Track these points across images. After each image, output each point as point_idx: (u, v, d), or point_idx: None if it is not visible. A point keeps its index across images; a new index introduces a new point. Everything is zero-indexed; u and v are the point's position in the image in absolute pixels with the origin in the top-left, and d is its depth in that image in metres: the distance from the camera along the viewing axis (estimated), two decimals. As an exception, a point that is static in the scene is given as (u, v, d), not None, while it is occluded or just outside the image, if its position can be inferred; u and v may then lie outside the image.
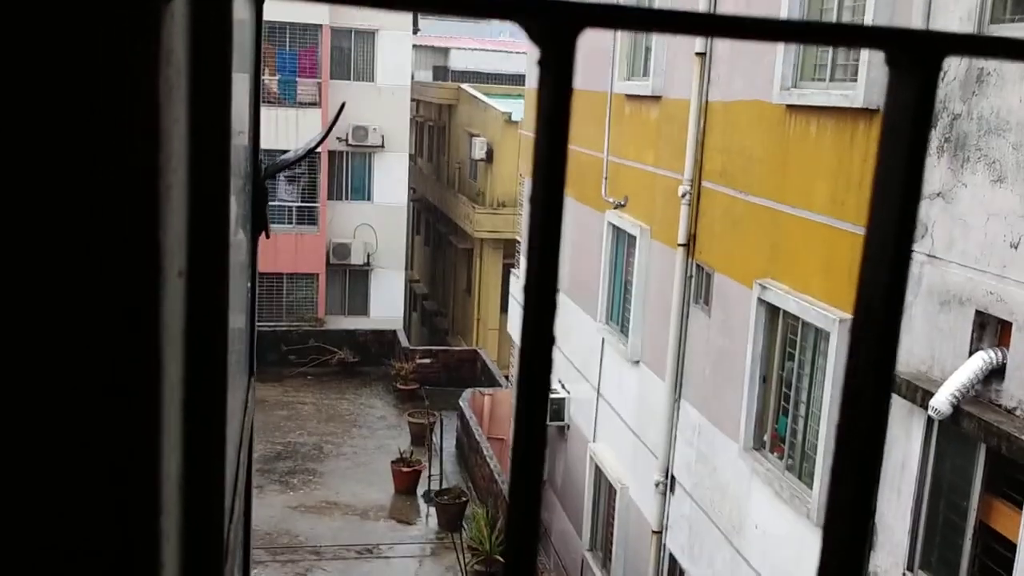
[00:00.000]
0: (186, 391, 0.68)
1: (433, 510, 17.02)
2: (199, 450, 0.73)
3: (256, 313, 1.75)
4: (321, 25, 25.42)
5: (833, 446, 0.60)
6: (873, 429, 0.57)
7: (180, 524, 0.72)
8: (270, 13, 26.25)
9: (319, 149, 25.46)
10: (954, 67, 6.41)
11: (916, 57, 0.53)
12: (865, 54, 7.32)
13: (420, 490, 17.89)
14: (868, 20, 7.32)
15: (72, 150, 0.46)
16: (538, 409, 0.53)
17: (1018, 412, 5.79)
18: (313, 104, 25.63)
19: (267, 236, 1.60)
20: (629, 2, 11.98)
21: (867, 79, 7.28)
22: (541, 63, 0.51)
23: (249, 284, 1.52)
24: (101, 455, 0.50)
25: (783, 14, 8.48)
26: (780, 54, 8.53)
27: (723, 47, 9.88)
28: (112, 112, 0.46)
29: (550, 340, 0.52)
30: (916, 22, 6.73)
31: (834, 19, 8.05)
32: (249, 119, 1.55)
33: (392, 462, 18.08)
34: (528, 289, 0.52)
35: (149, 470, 0.54)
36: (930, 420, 6.41)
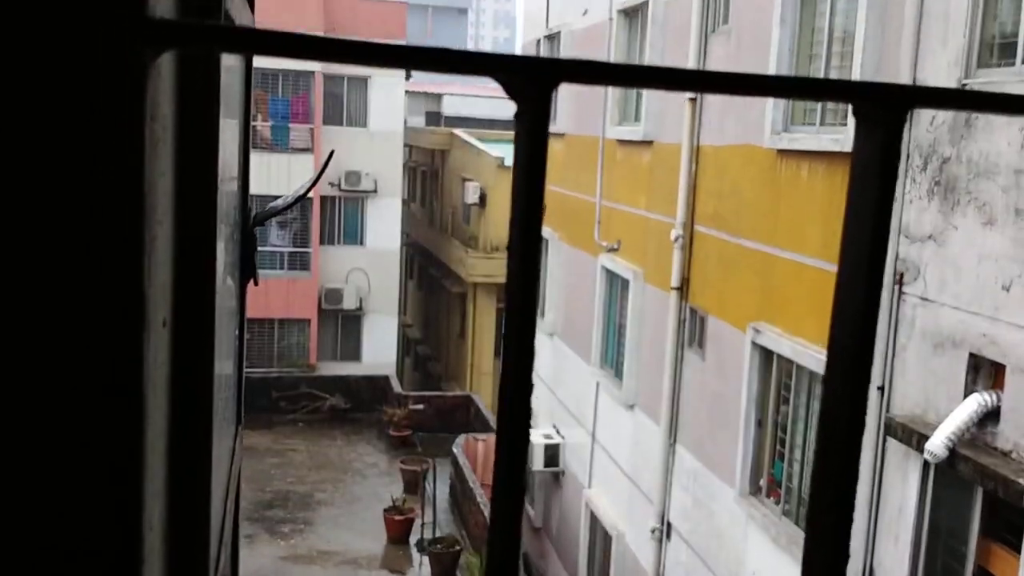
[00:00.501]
0: (171, 440, 0.68)
1: (426, 559, 16.81)
2: (184, 499, 0.73)
3: (244, 360, 1.75)
4: (314, 72, 25.67)
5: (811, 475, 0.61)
6: (848, 458, 0.57)
7: (164, 573, 0.72)
8: (262, 60, 26.54)
9: (311, 194, 25.56)
10: (942, 111, 6.50)
11: (881, 109, 0.54)
12: (852, 100, 7.41)
13: (413, 539, 17.69)
14: (856, 65, 7.42)
15: (56, 202, 0.47)
16: (518, 461, 0.53)
17: (1014, 455, 5.78)
18: (306, 150, 25.78)
19: (255, 283, 1.60)
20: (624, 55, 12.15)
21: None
22: (517, 116, 0.52)
23: (237, 331, 1.53)
24: (79, 504, 0.50)
25: (772, 60, 8.61)
26: (771, 99, 8.63)
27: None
28: (96, 166, 0.46)
29: (528, 386, 0.53)
30: (904, 67, 6.83)
31: (823, 64, 8.17)
32: (238, 166, 1.56)
33: (384, 510, 17.89)
34: (507, 340, 0.52)
35: (130, 519, 0.54)
36: (926, 464, 6.39)
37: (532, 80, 0.51)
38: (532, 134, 0.52)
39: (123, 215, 0.49)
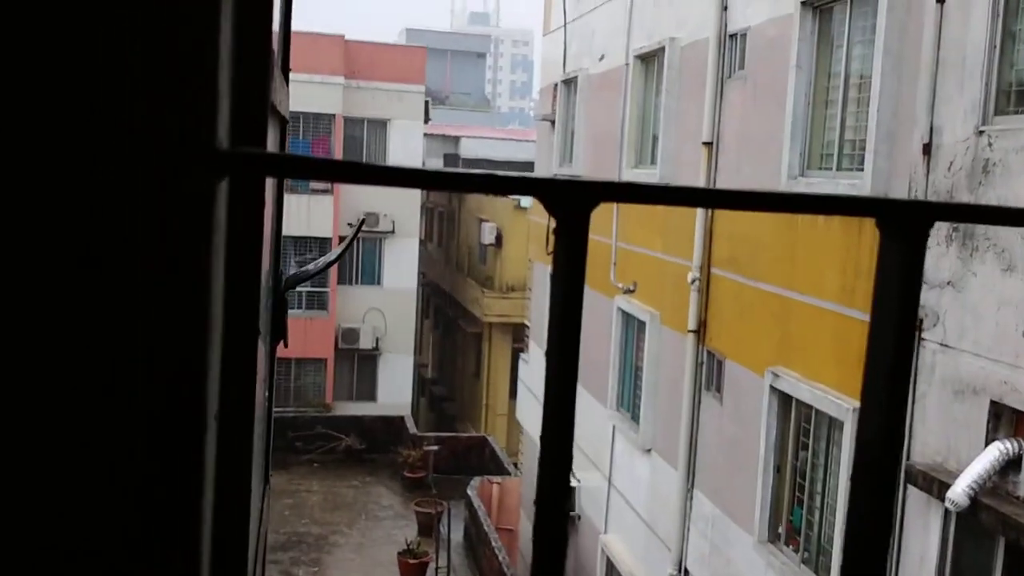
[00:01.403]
0: (215, 524, 0.71)
1: (441, 602, 16.65)
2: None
3: (272, 420, 1.78)
4: (334, 115, 25.98)
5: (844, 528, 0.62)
6: (883, 508, 0.59)
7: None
8: (285, 104, 26.73)
9: (330, 234, 25.75)
10: (959, 156, 6.51)
11: (904, 224, 0.57)
12: (871, 142, 7.45)
13: (428, 581, 17.53)
14: (872, 111, 7.46)
15: (129, 317, 0.50)
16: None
17: (1036, 504, 5.71)
18: (326, 192, 26.03)
19: (286, 346, 1.64)
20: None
21: (874, 168, 7.38)
22: (557, 233, 0.55)
23: (267, 393, 1.56)
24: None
25: (788, 106, 8.66)
26: (787, 142, 8.68)
27: (730, 136, 10.07)
28: (174, 275, 0.50)
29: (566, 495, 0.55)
30: (920, 113, 6.86)
31: (839, 110, 8.21)
32: (271, 235, 1.60)
33: (399, 553, 17.77)
34: (544, 450, 0.55)
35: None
36: (947, 512, 6.32)
37: (573, 200, 0.54)
38: (571, 249, 0.55)
39: (193, 321, 0.52)
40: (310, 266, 2.46)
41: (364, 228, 26.61)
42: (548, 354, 0.57)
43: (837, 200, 0.59)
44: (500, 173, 0.53)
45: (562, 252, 0.53)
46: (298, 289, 26.43)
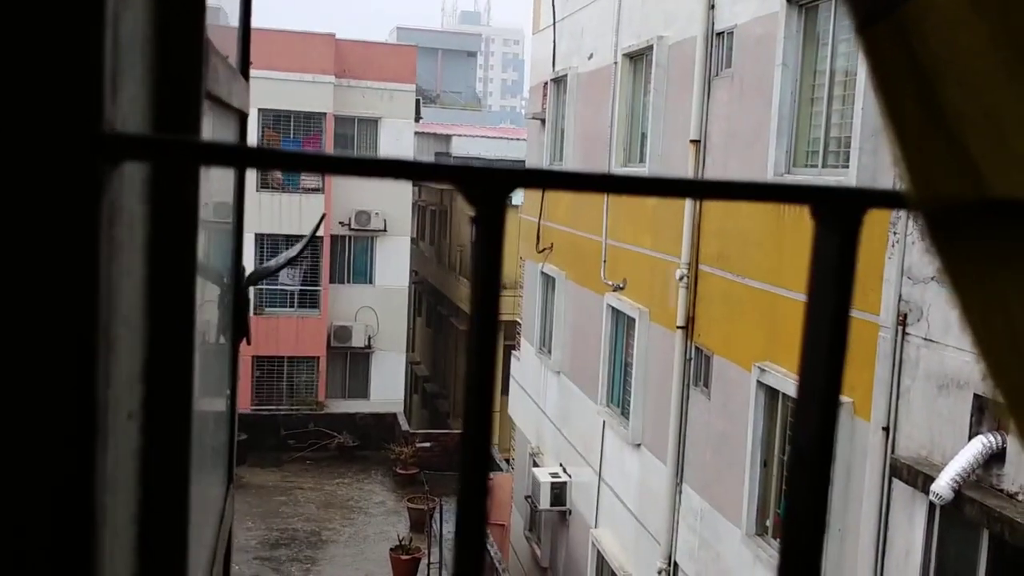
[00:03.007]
0: (140, 532, 0.69)
1: (433, 599, 16.65)
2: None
3: (236, 421, 1.76)
4: (325, 113, 25.91)
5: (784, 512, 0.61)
6: (819, 497, 0.57)
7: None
8: (274, 101, 26.52)
9: (321, 233, 25.69)
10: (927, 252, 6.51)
11: (838, 212, 0.55)
12: (857, 139, 7.45)
13: (420, 578, 17.53)
14: (858, 107, 7.46)
15: (7, 313, 0.48)
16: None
17: (1020, 497, 5.73)
18: (316, 190, 25.97)
19: (248, 343, 1.62)
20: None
21: (859, 164, 7.39)
22: (474, 221, 0.53)
23: (229, 392, 1.54)
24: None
25: (774, 104, 8.66)
26: (773, 139, 8.68)
27: (717, 133, 10.07)
28: (46, 273, 0.47)
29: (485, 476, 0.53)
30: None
31: (824, 107, 8.21)
32: (232, 227, 1.58)
33: (391, 549, 17.76)
34: (464, 444, 0.53)
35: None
36: (932, 506, 6.33)
37: (487, 188, 0.52)
38: (489, 235, 0.53)
39: (73, 320, 0.50)
40: (271, 263, 2.45)
41: (356, 226, 26.57)
42: (468, 348, 0.55)
43: (771, 188, 0.58)
44: (411, 159, 0.51)
45: (480, 238, 0.51)
46: (289, 288, 26.39)
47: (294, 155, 0.49)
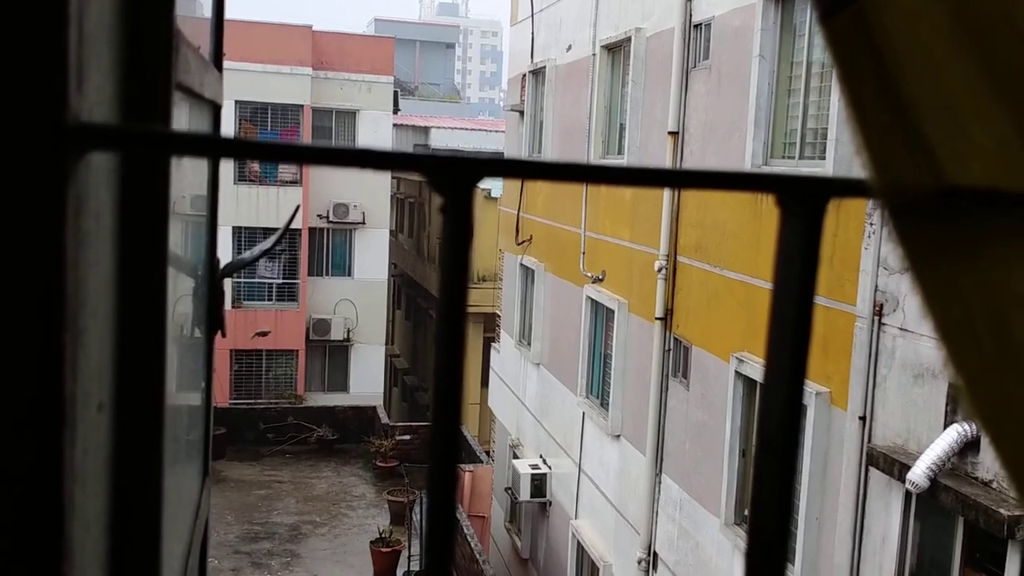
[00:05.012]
0: (112, 525, 0.69)
1: (414, 591, 16.66)
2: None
3: (211, 412, 1.76)
4: (303, 105, 25.78)
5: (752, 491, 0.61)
6: (783, 483, 0.58)
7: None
8: (252, 93, 26.35)
9: (299, 226, 25.58)
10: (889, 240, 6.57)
11: (802, 200, 0.56)
12: (833, 130, 7.50)
13: (400, 571, 17.54)
14: (834, 99, 7.51)
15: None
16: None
17: (994, 485, 5.80)
18: (294, 182, 25.84)
19: (223, 335, 1.62)
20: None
21: (835, 157, 7.44)
22: (442, 210, 0.54)
23: (204, 384, 1.53)
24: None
25: (752, 95, 8.70)
26: (751, 131, 8.72)
27: (695, 125, 10.10)
28: (10, 264, 0.47)
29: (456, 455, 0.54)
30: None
31: (801, 99, 8.26)
32: (207, 218, 1.57)
33: (371, 542, 17.76)
34: (434, 439, 0.53)
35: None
36: (908, 494, 6.40)
37: (455, 177, 0.52)
38: (457, 224, 0.53)
39: (41, 319, 0.49)
40: (246, 254, 2.44)
41: (335, 219, 26.47)
42: (436, 338, 0.56)
43: (739, 177, 0.58)
44: (378, 148, 0.51)
45: (448, 227, 0.52)
46: (268, 281, 26.26)
47: (263, 145, 0.49)
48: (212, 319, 1.48)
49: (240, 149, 0.50)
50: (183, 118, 1.07)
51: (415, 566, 17.24)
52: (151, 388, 0.71)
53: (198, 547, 1.36)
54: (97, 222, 0.59)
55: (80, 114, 0.49)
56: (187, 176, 1.29)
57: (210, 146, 0.48)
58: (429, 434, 0.55)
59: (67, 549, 0.50)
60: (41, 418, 0.47)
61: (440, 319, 0.56)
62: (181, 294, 1.25)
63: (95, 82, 0.56)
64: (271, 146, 0.51)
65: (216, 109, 1.53)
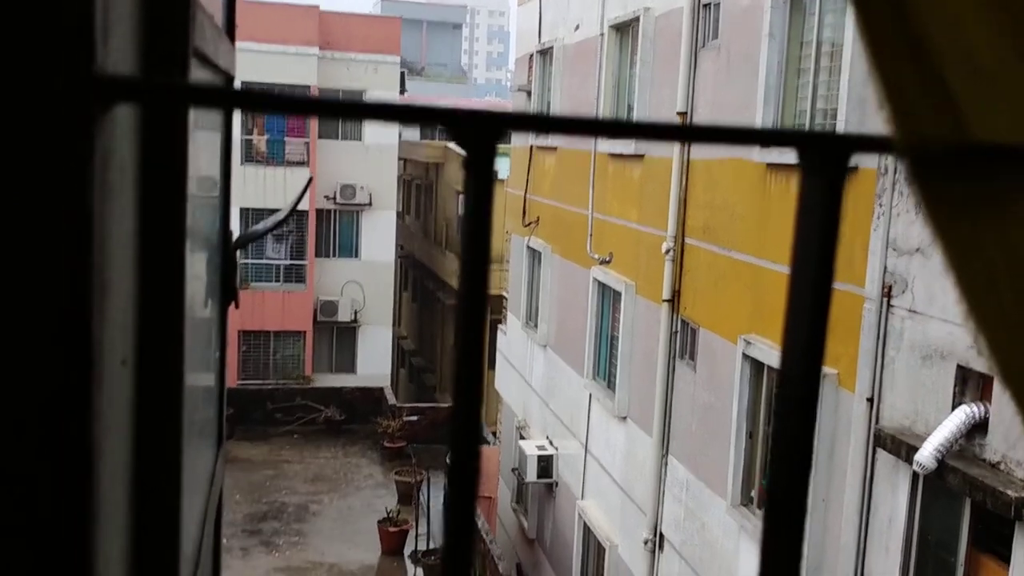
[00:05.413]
0: (135, 480, 0.69)
1: (420, 571, 16.77)
2: (150, 539, 0.74)
3: (225, 381, 1.77)
4: (309, 86, 25.72)
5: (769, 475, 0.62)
6: (803, 447, 0.58)
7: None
8: (258, 74, 26.29)
9: (307, 207, 25.59)
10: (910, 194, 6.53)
11: (824, 157, 0.56)
12: (843, 110, 7.46)
13: (407, 550, 17.65)
14: (844, 78, 7.47)
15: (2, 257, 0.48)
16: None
17: (1002, 466, 5.80)
18: (301, 163, 25.83)
19: (236, 306, 1.62)
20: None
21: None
22: (466, 165, 0.54)
23: (218, 353, 1.54)
24: (28, 550, 0.51)
25: (761, 75, 8.65)
26: (760, 110, 8.68)
27: (704, 105, 10.05)
28: (44, 222, 0.48)
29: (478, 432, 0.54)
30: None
31: (811, 78, 8.21)
32: (219, 190, 1.58)
33: (379, 522, 17.86)
34: (457, 376, 0.54)
35: (80, 564, 0.54)
36: (915, 475, 6.41)
37: (479, 131, 0.52)
38: (480, 179, 0.54)
39: (70, 269, 0.50)
40: (259, 225, 2.44)
41: (342, 200, 26.46)
42: (458, 295, 0.56)
43: (758, 132, 0.58)
44: (398, 102, 0.51)
45: (471, 183, 0.52)
46: (276, 262, 26.30)
47: (282, 98, 0.49)
48: (226, 290, 1.48)
49: (261, 102, 0.50)
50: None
51: (422, 545, 17.34)
52: (172, 342, 0.71)
53: (213, 513, 1.37)
54: (121, 178, 0.60)
55: (106, 68, 0.49)
56: (200, 154, 1.29)
57: (233, 99, 0.48)
58: (449, 410, 0.55)
59: (96, 495, 0.51)
60: (71, 360, 0.48)
61: (463, 273, 0.56)
62: (195, 256, 1.26)
63: (119, 41, 0.56)
64: (292, 99, 0.51)
65: (229, 80, 1.53)
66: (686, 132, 0.57)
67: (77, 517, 0.51)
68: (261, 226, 2.42)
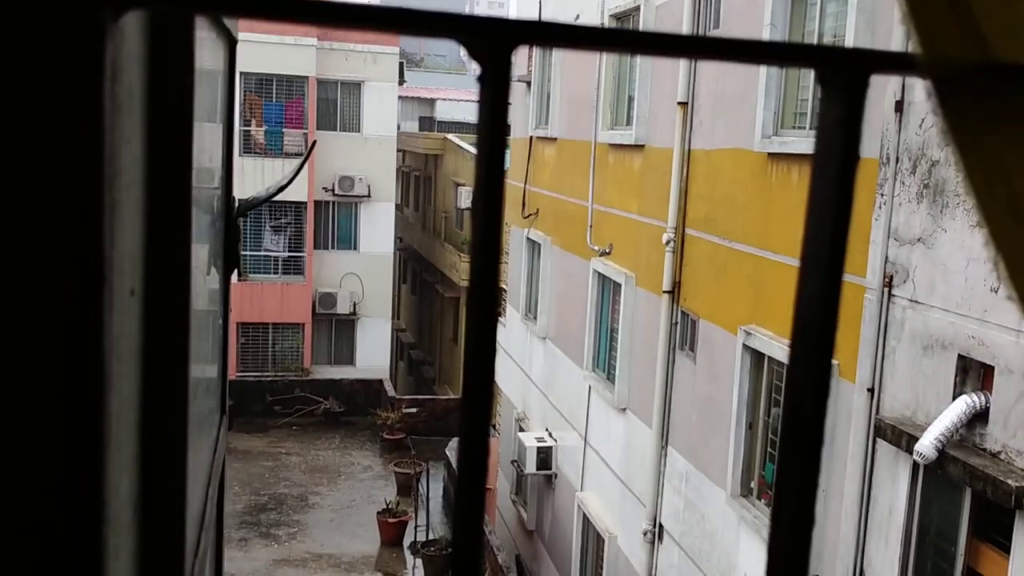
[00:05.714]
0: (143, 407, 0.69)
1: (420, 562, 16.79)
2: (157, 463, 0.73)
3: (228, 353, 1.76)
4: (308, 77, 25.68)
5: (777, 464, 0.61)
6: (813, 445, 0.57)
7: (135, 542, 0.72)
8: (257, 65, 26.25)
9: (304, 199, 25.55)
10: (931, 113, 6.52)
11: (845, 74, 0.55)
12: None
13: (407, 541, 17.67)
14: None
15: (8, 167, 0.47)
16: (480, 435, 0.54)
17: (1002, 456, 5.80)
18: (299, 154, 25.77)
19: (240, 276, 1.61)
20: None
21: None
22: (480, 78, 0.52)
23: (221, 321, 1.53)
24: (39, 469, 0.50)
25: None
26: (761, 102, 8.66)
27: (705, 95, 10.04)
28: (52, 129, 0.47)
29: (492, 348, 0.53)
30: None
31: (812, 82, 8.18)
32: (222, 158, 1.57)
33: (378, 513, 17.88)
34: (470, 306, 0.53)
35: (92, 485, 0.54)
36: (916, 465, 6.41)
37: (493, 40, 0.51)
38: (494, 91, 0.52)
39: (81, 177, 0.49)
40: (260, 192, 2.43)
41: (340, 192, 26.42)
42: (472, 216, 0.55)
43: (774, 47, 0.57)
44: (412, 8, 0.50)
45: (485, 94, 0.51)
46: (274, 254, 26.28)
47: (288, 2, 0.48)
48: (229, 256, 1.48)
49: (267, 7, 0.48)
50: (205, 50, 1.06)
51: (421, 536, 17.36)
52: (178, 270, 0.70)
53: (217, 479, 1.36)
54: (129, 99, 0.59)
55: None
56: (204, 136, 1.28)
57: (242, 3, 0.47)
58: (461, 397, 0.54)
59: (106, 419, 0.50)
60: (82, 274, 0.47)
61: (477, 196, 0.55)
62: (200, 230, 1.25)
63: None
64: (298, 3, 0.50)
65: (232, 44, 1.52)
66: (703, 45, 0.56)
67: (88, 433, 0.50)
68: (263, 192, 2.41)
